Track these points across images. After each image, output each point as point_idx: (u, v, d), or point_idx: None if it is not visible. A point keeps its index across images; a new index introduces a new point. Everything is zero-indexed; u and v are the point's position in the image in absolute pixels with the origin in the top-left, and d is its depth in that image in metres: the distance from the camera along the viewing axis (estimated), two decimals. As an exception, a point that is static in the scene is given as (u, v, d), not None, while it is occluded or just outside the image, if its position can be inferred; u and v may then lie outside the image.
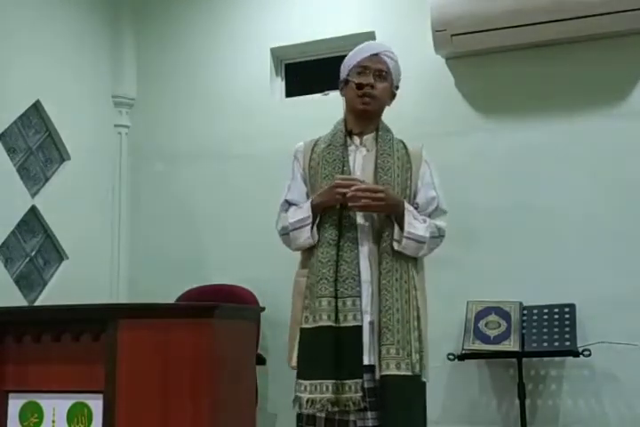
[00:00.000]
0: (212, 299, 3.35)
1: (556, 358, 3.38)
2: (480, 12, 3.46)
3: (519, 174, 3.60)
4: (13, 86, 3.65)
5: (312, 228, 2.35)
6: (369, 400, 2.22)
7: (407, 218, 2.32)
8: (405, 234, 2.31)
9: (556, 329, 3.28)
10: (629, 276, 3.35)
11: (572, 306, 3.34)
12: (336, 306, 2.25)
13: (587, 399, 3.35)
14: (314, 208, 2.35)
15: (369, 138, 2.46)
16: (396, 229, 2.32)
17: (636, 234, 3.39)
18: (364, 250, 2.32)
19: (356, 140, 2.46)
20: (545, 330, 3.30)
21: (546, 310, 3.37)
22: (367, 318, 2.27)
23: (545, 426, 3.39)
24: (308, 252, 2.39)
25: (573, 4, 3.35)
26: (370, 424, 2.22)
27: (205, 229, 4.12)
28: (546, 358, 3.39)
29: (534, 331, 3.31)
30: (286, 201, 2.46)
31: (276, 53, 4.21)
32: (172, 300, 3.77)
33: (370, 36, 3.92)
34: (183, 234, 4.16)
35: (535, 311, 3.38)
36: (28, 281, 3.74)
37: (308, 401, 2.20)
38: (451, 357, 3.31)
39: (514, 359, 3.28)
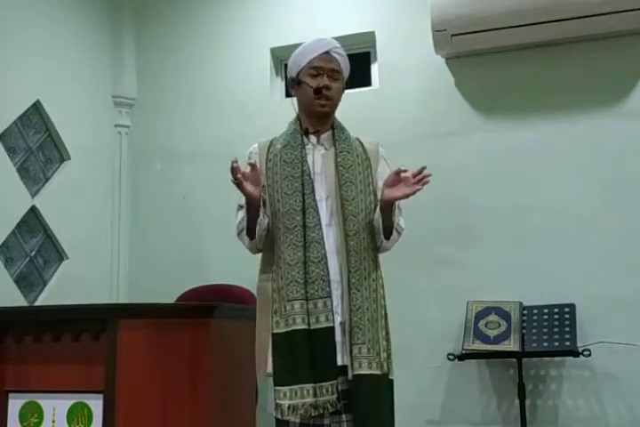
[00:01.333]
0: (211, 299, 3.34)
1: (556, 358, 3.38)
2: (480, 12, 3.46)
3: (519, 174, 3.59)
4: (13, 86, 3.65)
5: (249, 228, 2.35)
6: (343, 403, 2.21)
7: (395, 211, 2.33)
8: (396, 226, 2.34)
9: (555, 329, 3.28)
10: (629, 276, 3.35)
11: (572, 306, 3.34)
12: (307, 308, 2.23)
13: (587, 399, 3.35)
14: (247, 207, 2.33)
15: (326, 137, 2.44)
16: (378, 220, 2.31)
17: (636, 234, 3.38)
18: (331, 249, 2.30)
19: (313, 139, 2.44)
20: (545, 330, 3.30)
21: (546, 310, 3.37)
22: (338, 319, 2.26)
23: (545, 426, 3.39)
24: (269, 255, 2.37)
25: (573, 4, 3.35)
26: None
27: (205, 230, 4.12)
28: (546, 358, 3.39)
29: (534, 331, 3.31)
30: (239, 206, 2.44)
31: (276, 53, 4.21)
32: (172, 300, 3.76)
33: (370, 36, 3.92)
34: (183, 234, 4.16)
35: (535, 311, 3.38)
36: (28, 281, 3.74)
37: (289, 407, 2.17)
38: (451, 357, 3.31)
39: (514, 359, 3.28)
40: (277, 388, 2.21)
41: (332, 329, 2.22)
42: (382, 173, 2.43)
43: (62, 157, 4.00)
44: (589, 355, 3.14)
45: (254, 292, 3.72)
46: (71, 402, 2.66)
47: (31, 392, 2.71)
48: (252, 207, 2.31)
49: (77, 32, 4.12)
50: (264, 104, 4.10)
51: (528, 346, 3.27)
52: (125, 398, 2.55)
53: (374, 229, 2.34)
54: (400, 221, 2.38)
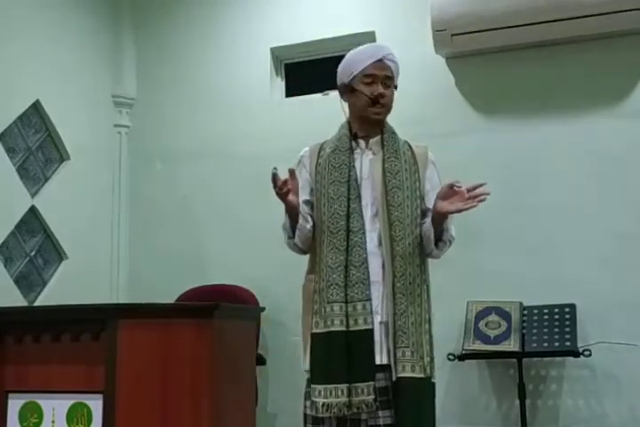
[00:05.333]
0: (212, 299, 3.34)
1: (557, 359, 3.38)
2: (480, 12, 3.46)
3: (519, 174, 3.59)
4: (13, 86, 3.64)
5: (290, 233, 2.38)
6: (380, 400, 2.24)
7: (448, 223, 2.36)
8: (450, 238, 2.37)
9: (556, 329, 3.28)
10: (629, 276, 3.35)
11: (572, 306, 3.34)
12: (346, 311, 2.26)
13: (587, 399, 3.35)
14: (287, 213, 2.36)
15: (375, 141, 2.45)
16: (430, 229, 2.34)
17: (637, 234, 3.38)
18: (372, 251, 2.32)
19: (362, 143, 2.45)
20: (545, 330, 3.30)
21: (546, 310, 3.36)
22: (377, 319, 2.28)
23: (545, 426, 3.39)
24: (315, 256, 2.40)
25: (573, 4, 3.35)
26: (381, 423, 2.24)
27: (205, 229, 4.12)
28: (546, 359, 3.39)
29: (534, 331, 3.31)
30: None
31: (276, 53, 4.21)
32: (172, 300, 3.76)
33: (370, 36, 3.92)
34: (183, 234, 4.16)
35: (535, 311, 3.38)
36: (28, 281, 3.73)
37: (324, 406, 2.22)
38: (451, 357, 3.30)
39: (514, 359, 3.28)
40: (313, 386, 2.26)
41: (370, 331, 2.25)
42: (431, 177, 2.46)
43: (62, 156, 3.99)
44: (590, 355, 3.14)
45: (254, 292, 3.77)
46: (71, 402, 2.66)
47: (31, 392, 2.71)
48: (292, 214, 2.34)
49: (77, 32, 4.12)
50: (264, 104, 4.10)
51: (528, 346, 3.27)
52: (125, 398, 2.55)
53: (424, 237, 2.36)
54: (452, 230, 2.40)
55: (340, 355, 2.23)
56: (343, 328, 2.24)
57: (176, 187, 4.22)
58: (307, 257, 2.46)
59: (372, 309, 2.26)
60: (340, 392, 2.21)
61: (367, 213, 2.35)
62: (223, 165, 4.11)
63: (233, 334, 2.83)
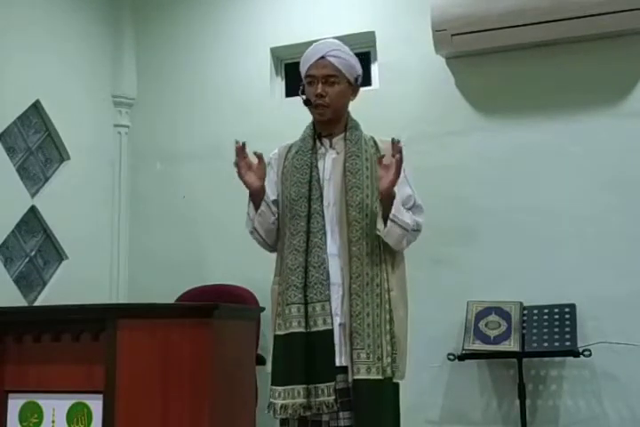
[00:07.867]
0: (211, 299, 3.34)
1: (557, 359, 3.38)
2: (480, 12, 3.46)
3: (519, 174, 3.59)
4: (13, 86, 3.64)
5: (253, 217, 2.40)
6: (341, 401, 2.24)
7: (396, 203, 2.28)
8: (391, 216, 2.27)
9: (556, 329, 3.28)
10: (629, 276, 3.35)
11: (572, 306, 3.34)
12: (306, 312, 2.26)
13: (587, 399, 3.35)
14: (250, 198, 2.39)
15: (338, 139, 2.44)
16: (380, 217, 2.29)
17: (636, 234, 3.38)
18: (333, 253, 2.31)
19: (326, 142, 2.44)
20: (545, 330, 3.30)
21: (546, 310, 3.36)
22: (337, 321, 2.28)
23: (545, 426, 3.39)
24: (279, 260, 2.41)
25: (573, 4, 3.35)
26: (342, 424, 2.24)
27: (205, 230, 4.12)
28: (546, 359, 3.39)
29: (534, 331, 3.31)
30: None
31: (276, 53, 4.21)
32: (172, 300, 3.76)
33: (370, 35, 3.93)
34: (183, 234, 4.16)
35: (535, 311, 3.38)
36: (28, 281, 3.73)
37: (281, 407, 2.22)
38: (451, 357, 3.30)
39: (514, 360, 3.28)
40: (273, 387, 2.27)
41: (329, 332, 2.25)
42: None
43: (62, 156, 3.99)
44: (590, 355, 3.13)
45: (254, 292, 3.77)
46: (71, 402, 2.66)
47: (31, 392, 2.72)
48: (255, 199, 2.36)
49: (78, 32, 4.12)
50: (264, 104, 4.10)
51: (528, 346, 3.27)
52: (125, 398, 2.55)
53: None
54: (404, 215, 2.30)
55: (298, 356, 2.24)
56: (302, 330, 2.25)
57: (176, 187, 4.22)
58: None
59: (331, 309, 2.26)
60: (296, 393, 2.21)
61: (329, 213, 2.34)
62: (223, 165, 4.08)
63: (233, 334, 2.83)
